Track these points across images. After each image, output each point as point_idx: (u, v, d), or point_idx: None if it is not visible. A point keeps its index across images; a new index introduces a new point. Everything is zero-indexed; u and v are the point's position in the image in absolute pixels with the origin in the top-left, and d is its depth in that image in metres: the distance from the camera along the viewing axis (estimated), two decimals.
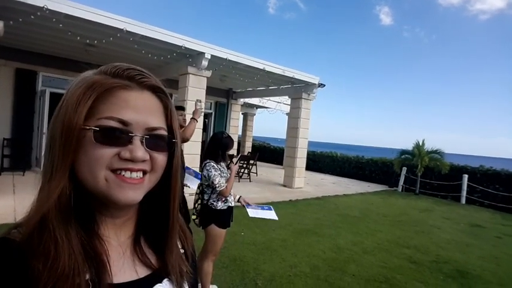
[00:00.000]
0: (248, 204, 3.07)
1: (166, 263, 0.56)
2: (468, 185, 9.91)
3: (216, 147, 2.78)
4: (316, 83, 8.80)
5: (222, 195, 2.71)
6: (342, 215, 6.65)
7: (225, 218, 2.77)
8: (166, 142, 0.52)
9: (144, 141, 0.49)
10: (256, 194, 7.74)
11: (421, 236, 5.74)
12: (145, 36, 5.90)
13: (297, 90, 9.05)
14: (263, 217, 3.02)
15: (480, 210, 9.05)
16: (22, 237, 0.45)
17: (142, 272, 0.53)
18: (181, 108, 3.46)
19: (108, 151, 0.46)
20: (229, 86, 11.51)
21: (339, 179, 12.53)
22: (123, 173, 0.48)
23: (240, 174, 9.76)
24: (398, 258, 4.46)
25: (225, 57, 6.99)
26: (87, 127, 0.46)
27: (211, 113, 11.86)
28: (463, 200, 9.90)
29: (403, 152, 11.11)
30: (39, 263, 0.42)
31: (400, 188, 11.18)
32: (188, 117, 3.36)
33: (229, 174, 2.81)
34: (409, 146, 11.05)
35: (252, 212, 3.01)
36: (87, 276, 0.45)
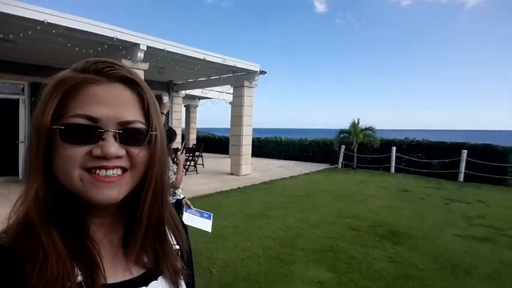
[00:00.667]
0: (188, 207, 2.98)
1: (159, 260, 0.54)
2: (396, 156, 11.13)
3: None
4: (258, 70, 8.99)
5: (174, 188, 2.74)
6: (289, 196, 7.03)
7: None
8: (144, 136, 0.49)
9: (117, 136, 0.46)
10: (204, 185, 7.77)
11: (359, 206, 6.36)
12: (70, 28, 5.43)
13: (238, 79, 9.15)
14: (196, 226, 2.88)
15: (407, 177, 10.23)
16: (9, 241, 0.44)
17: (136, 271, 0.53)
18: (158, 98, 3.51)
19: (78, 150, 0.45)
20: (169, 78, 11.16)
21: (285, 163, 13.09)
22: (97, 171, 0.46)
23: (186, 167, 9.66)
24: (340, 228, 4.92)
25: (162, 48, 6.76)
26: (54, 127, 0.45)
27: None
28: (393, 170, 11.11)
29: (341, 131, 12.03)
30: (28, 267, 0.41)
31: (340, 165, 12.11)
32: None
33: (177, 165, 2.83)
34: (347, 125, 11.98)
35: (188, 218, 2.89)
36: (80, 278, 0.44)
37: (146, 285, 0.52)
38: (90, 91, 0.46)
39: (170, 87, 11.65)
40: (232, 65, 8.15)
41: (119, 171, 0.47)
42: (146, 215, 0.52)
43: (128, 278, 0.51)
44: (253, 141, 10.12)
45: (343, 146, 11.98)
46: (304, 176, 10.19)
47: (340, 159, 12.13)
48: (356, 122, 11.50)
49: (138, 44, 6.35)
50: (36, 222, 0.44)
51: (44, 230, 0.44)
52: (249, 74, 9.00)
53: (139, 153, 0.49)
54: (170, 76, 10.46)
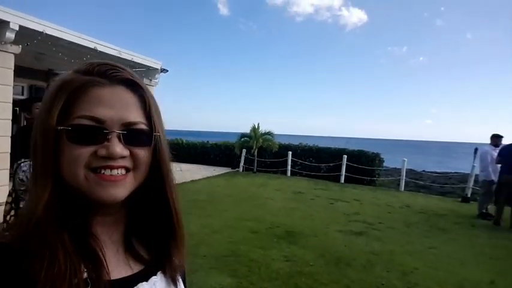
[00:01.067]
0: None
1: (161, 257, 0.57)
2: (292, 160, 12.10)
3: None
4: (159, 68, 8.48)
5: None
6: (191, 200, 6.83)
7: None
8: (147, 136, 0.51)
9: (121, 137, 0.48)
10: None
11: (259, 209, 6.62)
12: None
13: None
14: None
15: (301, 180, 11.23)
16: (15, 239, 0.45)
17: (136, 267, 0.54)
18: (40, 99, 2.74)
19: (84, 150, 0.46)
20: (49, 67, 9.49)
21: (186, 166, 12.71)
22: (103, 171, 0.47)
23: None
24: (241, 231, 5.01)
25: (41, 29, 5.67)
26: (60, 128, 0.46)
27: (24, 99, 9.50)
28: (289, 173, 12.04)
29: (243, 135, 12.41)
30: (36, 265, 0.42)
31: (241, 169, 12.46)
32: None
33: None
34: (248, 129, 12.40)
35: None
36: (85, 275, 0.45)
37: (147, 281, 0.54)
38: (95, 93, 0.47)
39: (49, 77, 9.93)
40: (130, 59, 7.46)
41: (123, 171, 0.49)
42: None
43: (129, 274, 0.53)
44: None
45: (244, 150, 12.38)
46: (205, 180, 10.08)
47: (242, 163, 12.49)
48: (256, 126, 12.04)
49: (7, 22, 5.18)
50: (44, 222, 0.45)
51: (52, 229, 0.45)
52: (149, 71, 8.42)
53: (143, 153, 0.50)
54: (51, 64, 8.91)
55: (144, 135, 0.51)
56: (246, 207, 6.72)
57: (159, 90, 9.82)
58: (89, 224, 0.51)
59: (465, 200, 8.84)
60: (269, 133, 12.16)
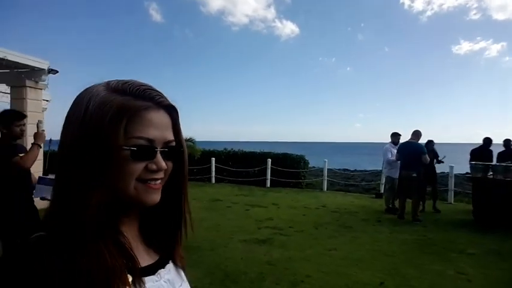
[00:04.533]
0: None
1: (172, 248, 0.66)
2: (216, 166, 11.59)
3: None
4: (46, 68, 7.30)
5: None
6: None
7: None
8: (175, 152, 0.60)
9: (163, 153, 0.57)
10: None
11: None
12: None
13: (17, 77, 7.17)
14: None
15: (225, 186, 10.77)
16: (61, 239, 0.50)
17: (152, 258, 0.62)
18: (23, 116, 3.01)
19: (139, 165, 0.55)
20: None
21: None
22: (150, 182, 0.57)
23: None
24: None
25: None
26: (126, 147, 0.53)
27: None
28: (213, 180, 11.50)
29: None
30: (85, 264, 0.48)
31: None
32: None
33: None
34: None
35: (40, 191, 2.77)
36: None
37: (163, 268, 0.63)
38: (146, 116, 0.55)
39: None
40: (2, 56, 6.28)
41: (160, 181, 0.58)
42: (179, 213, 0.65)
43: (150, 263, 0.61)
44: (50, 155, 8.17)
45: None
46: None
47: None
48: None
49: None
50: (94, 226, 0.51)
51: (100, 233, 0.51)
52: (34, 72, 7.19)
53: (171, 165, 0.60)
54: None
55: (175, 151, 0.60)
56: None
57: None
58: (119, 222, 0.58)
59: (378, 195, 9.20)
60: (190, 139, 11.49)
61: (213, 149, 12.23)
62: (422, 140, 6.99)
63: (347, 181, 13.16)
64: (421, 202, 6.90)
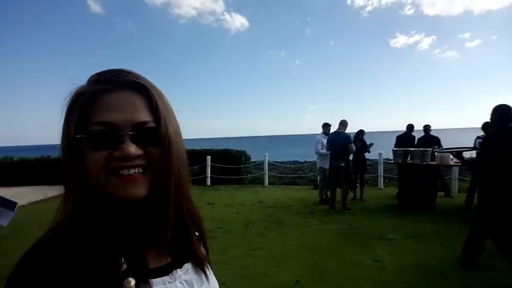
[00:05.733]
0: None
1: (187, 247, 0.60)
2: None
3: None
4: None
5: None
6: None
7: None
8: (157, 135, 0.53)
9: (133, 137, 0.51)
10: None
11: None
12: None
13: None
14: None
15: None
16: (55, 239, 0.49)
17: (166, 259, 0.58)
18: None
19: (100, 154, 0.50)
20: None
21: (15, 190, 10.05)
22: (121, 171, 0.50)
23: None
24: None
25: None
26: (77, 136, 0.50)
27: None
28: None
29: None
30: (76, 260, 0.46)
31: None
32: None
33: None
34: None
35: None
36: (125, 267, 0.49)
37: (180, 267, 0.58)
38: (104, 100, 0.51)
39: None
40: None
41: (140, 170, 0.52)
42: (170, 209, 0.56)
43: (164, 263, 0.57)
44: None
45: None
46: (32, 205, 7.98)
47: None
48: None
49: None
50: (76, 223, 0.49)
51: (85, 229, 0.49)
52: None
53: (155, 151, 0.53)
54: None
55: (154, 133, 0.53)
56: None
57: None
58: (125, 221, 0.52)
59: (316, 187, 9.33)
60: None
61: None
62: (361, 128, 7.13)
63: (296, 173, 13.22)
64: (352, 190, 7.06)
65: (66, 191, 0.52)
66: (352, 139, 7.02)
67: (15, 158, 11.63)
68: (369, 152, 7.69)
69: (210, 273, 0.64)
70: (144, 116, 0.52)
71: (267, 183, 10.72)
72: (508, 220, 3.26)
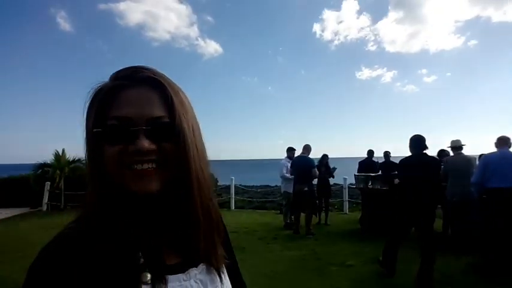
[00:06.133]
0: None
1: (198, 249, 0.57)
2: None
3: None
4: None
5: None
6: None
7: None
8: (172, 130, 0.52)
9: (147, 132, 0.50)
10: None
11: (5, 265, 4.70)
12: None
13: None
14: None
15: None
16: (75, 231, 0.50)
17: (179, 257, 0.57)
18: None
19: (115, 148, 0.50)
20: None
21: None
22: (135, 166, 0.50)
23: None
24: None
25: None
26: (95, 130, 0.51)
27: None
28: None
29: (41, 165, 9.80)
30: (95, 254, 0.47)
31: (44, 207, 9.76)
32: None
33: None
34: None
35: None
36: (142, 260, 0.50)
37: (196, 267, 0.58)
38: (121, 95, 0.52)
39: None
40: None
41: (153, 165, 0.51)
42: (197, 207, 0.56)
43: (179, 261, 0.56)
44: None
45: (47, 183, 9.78)
46: None
47: (45, 200, 9.80)
48: (60, 152, 9.76)
49: None
50: (100, 214, 0.51)
51: (106, 222, 0.50)
52: None
53: (169, 147, 0.52)
54: None
55: (168, 128, 0.52)
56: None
57: None
58: (143, 216, 0.53)
59: (282, 211, 9.21)
60: (80, 160, 10.03)
61: None
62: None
63: (266, 197, 13.05)
64: (316, 215, 7.02)
65: (88, 185, 0.53)
66: (317, 164, 7.09)
67: None
68: (333, 177, 7.76)
69: (224, 276, 0.62)
70: (158, 111, 0.52)
71: (233, 207, 10.47)
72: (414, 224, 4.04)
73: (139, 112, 0.50)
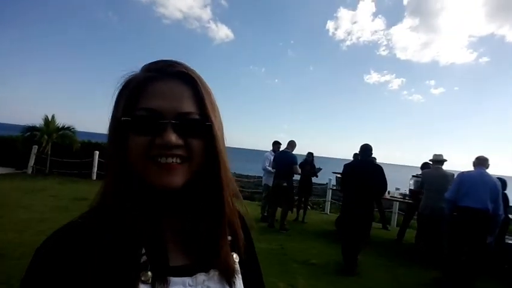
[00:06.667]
0: None
1: (218, 251, 0.55)
2: (100, 161, 10.33)
3: None
4: None
5: None
6: None
7: None
8: (200, 126, 0.52)
9: (175, 126, 0.50)
10: None
11: None
12: None
13: None
14: None
15: None
16: (85, 221, 0.50)
17: (189, 259, 0.55)
18: None
19: (142, 139, 0.49)
20: None
21: None
22: (159, 159, 0.50)
23: None
24: None
25: None
26: (123, 119, 0.50)
27: None
28: (94, 176, 10.19)
29: (30, 128, 9.79)
30: (98, 244, 0.47)
31: (30, 170, 9.80)
32: None
33: None
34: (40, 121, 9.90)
35: None
36: (145, 258, 0.49)
37: (206, 272, 0.54)
38: (152, 87, 0.51)
39: None
40: None
41: (178, 160, 0.51)
42: (225, 208, 0.56)
43: (187, 263, 0.54)
44: None
45: (35, 147, 9.79)
46: None
47: (31, 163, 9.84)
48: (50, 118, 9.73)
49: None
50: (111, 206, 0.50)
51: (117, 212, 0.49)
52: None
53: (196, 143, 0.52)
54: None
55: (197, 125, 0.52)
56: None
57: None
58: (155, 212, 0.52)
59: None
60: (69, 128, 10.02)
61: (99, 141, 10.87)
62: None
63: (257, 188, 13.08)
64: (291, 211, 7.04)
65: (107, 173, 0.53)
66: (301, 161, 7.08)
67: None
68: (317, 176, 7.75)
69: (238, 285, 0.58)
70: (188, 106, 0.52)
71: None
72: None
73: (169, 105, 0.50)
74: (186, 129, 0.51)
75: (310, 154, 7.68)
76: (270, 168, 6.96)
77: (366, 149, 4.74)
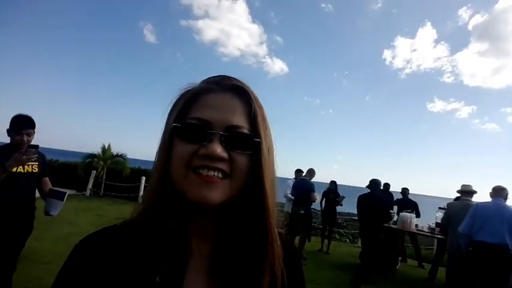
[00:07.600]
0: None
1: (251, 277, 0.50)
2: (145, 185, 11.35)
3: None
4: None
5: None
6: None
7: None
8: (248, 142, 0.50)
9: (222, 138, 0.48)
10: None
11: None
12: None
13: None
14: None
15: None
16: (121, 227, 0.53)
17: (211, 285, 0.50)
18: (24, 126, 2.52)
19: (188, 147, 0.48)
20: None
21: None
22: (200, 170, 0.47)
23: None
24: None
25: None
26: (174, 125, 0.50)
27: None
28: (140, 200, 11.15)
29: (90, 155, 11.31)
30: (117, 256, 0.47)
31: (88, 192, 11.19)
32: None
33: None
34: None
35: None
36: (157, 279, 0.46)
37: None
38: (206, 98, 0.52)
39: None
40: None
41: (220, 174, 0.48)
42: (274, 236, 0.53)
43: None
44: None
45: (93, 172, 11.23)
46: None
47: (89, 186, 11.25)
48: (106, 146, 11.16)
49: None
50: (146, 214, 0.51)
51: (149, 221, 0.49)
52: None
53: (241, 159, 0.49)
54: None
55: (245, 140, 0.50)
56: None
57: None
58: (185, 230, 0.50)
59: None
60: (121, 155, 11.33)
61: (145, 168, 12.02)
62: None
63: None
64: (309, 240, 6.91)
65: (151, 179, 0.53)
66: (325, 190, 7.03)
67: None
68: (341, 205, 7.55)
69: None
70: (239, 120, 0.50)
71: None
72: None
73: (219, 117, 0.49)
74: (233, 143, 0.49)
75: (333, 182, 7.56)
76: (290, 196, 7.03)
77: (374, 184, 5.58)
